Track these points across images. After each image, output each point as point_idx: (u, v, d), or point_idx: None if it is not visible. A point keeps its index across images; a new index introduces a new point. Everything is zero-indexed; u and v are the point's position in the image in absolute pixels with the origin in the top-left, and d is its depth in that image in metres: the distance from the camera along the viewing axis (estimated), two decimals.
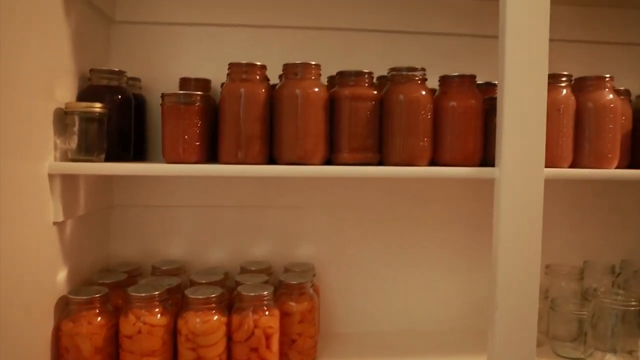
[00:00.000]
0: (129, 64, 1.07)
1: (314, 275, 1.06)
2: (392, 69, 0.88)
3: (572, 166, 0.93)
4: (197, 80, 1.02)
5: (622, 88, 1.11)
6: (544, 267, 1.08)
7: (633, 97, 1.16)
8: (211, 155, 0.89)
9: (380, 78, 0.97)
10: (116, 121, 0.91)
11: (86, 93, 0.92)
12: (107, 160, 0.88)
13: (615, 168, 0.97)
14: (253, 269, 1.05)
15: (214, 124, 0.87)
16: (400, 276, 1.16)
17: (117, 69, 0.93)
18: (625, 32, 1.20)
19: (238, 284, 0.95)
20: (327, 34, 1.12)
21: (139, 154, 1.01)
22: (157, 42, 1.09)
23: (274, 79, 1.03)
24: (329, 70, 1.04)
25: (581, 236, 1.21)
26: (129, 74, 0.98)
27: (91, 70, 0.92)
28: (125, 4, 1.07)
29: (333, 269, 1.14)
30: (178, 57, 1.09)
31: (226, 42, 1.10)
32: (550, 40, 1.12)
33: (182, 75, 1.06)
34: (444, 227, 1.17)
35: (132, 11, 1.08)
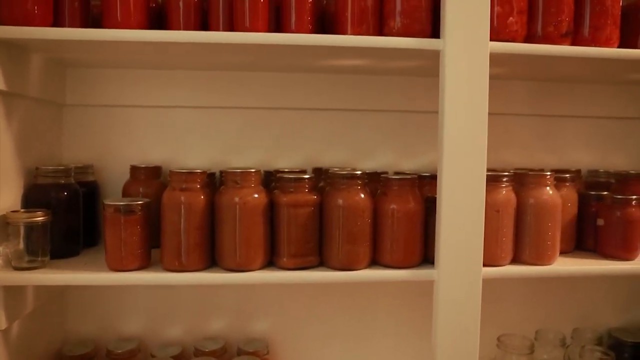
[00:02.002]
0: (81, 147, 1.08)
1: (267, 352, 1.09)
2: (331, 173, 0.89)
3: (513, 261, 0.95)
4: (147, 168, 1.03)
5: (572, 170, 1.13)
6: (495, 340, 1.11)
7: (585, 172, 1.18)
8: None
9: (317, 171, 0.99)
10: (63, 218, 0.92)
11: (32, 192, 0.93)
12: (54, 257, 0.90)
13: (561, 252, 0.99)
14: (207, 350, 1.07)
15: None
16: (353, 351, 1.19)
17: (62, 167, 0.94)
18: (576, 106, 1.21)
19: None
20: (279, 113, 1.12)
21: (92, 241, 1.03)
22: (109, 124, 1.09)
23: (226, 157, 1.05)
24: (280, 146, 1.06)
25: (534, 306, 1.23)
26: (81, 156, 0.99)
27: (37, 169, 0.93)
28: (76, 88, 1.08)
29: (287, 344, 1.17)
30: (130, 139, 1.10)
31: (178, 123, 1.11)
32: (503, 114, 1.14)
33: (135, 156, 1.08)
34: (392, 307, 1.19)
35: (83, 94, 1.08)
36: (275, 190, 0.89)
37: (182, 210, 0.85)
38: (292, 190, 0.87)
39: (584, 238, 1.06)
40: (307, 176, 0.88)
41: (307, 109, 1.13)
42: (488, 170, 1.06)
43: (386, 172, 1.08)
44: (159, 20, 0.93)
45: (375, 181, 0.96)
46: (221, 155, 1.11)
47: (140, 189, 1.02)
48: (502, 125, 1.18)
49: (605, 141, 1.23)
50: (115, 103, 1.09)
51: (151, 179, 1.03)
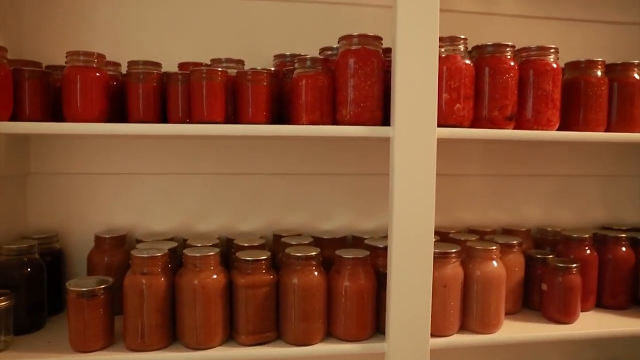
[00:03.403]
0: (46, 214, 1.11)
1: None
2: (287, 254, 0.94)
3: (461, 329, 1.00)
4: (111, 238, 1.05)
5: (522, 230, 1.19)
6: None
7: (534, 229, 1.25)
8: None
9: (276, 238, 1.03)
10: (28, 294, 0.95)
11: None
12: (18, 332, 0.93)
13: (509, 313, 1.06)
14: None
15: None
16: None
17: (25, 245, 0.96)
18: (526, 166, 1.27)
19: None
20: (240, 179, 1.16)
21: (58, 306, 1.05)
22: (73, 192, 1.11)
23: (190, 221, 1.09)
24: (241, 211, 1.15)
25: None
26: (46, 223, 1.01)
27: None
28: (40, 156, 1.10)
29: None
30: (95, 206, 1.12)
31: (142, 190, 1.13)
32: (458, 175, 1.20)
33: (101, 222, 1.11)
34: None
35: (48, 163, 1.10)
36: (234, 270, 0.93)
37: (144, 293, 0.88)
38: (249, 272, 0.92)
39: (531, 297, 1.12)
40: (264, 257, 0.92)
41: (267, 174, 1.16)
42: (442, 230, 1.13)
43: (344, 236, 1.13)
44: (119, 98, 0.96)
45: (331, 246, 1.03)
46: (185, 219, 1.14)
47: (105, 258, 1.04)
48: (456, 185, 1.24)
49: (554, 198, 1.30)
50: (80, 171, 1.11)
51: (116, 248, 1.06)
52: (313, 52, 1.10)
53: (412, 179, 0.89)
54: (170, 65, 1.05)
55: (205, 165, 1.14)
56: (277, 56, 1.10)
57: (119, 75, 1.01)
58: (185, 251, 0.92)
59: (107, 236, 1.05)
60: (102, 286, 0.89)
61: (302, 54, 1.10)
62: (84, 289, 0.88)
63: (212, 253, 0.91)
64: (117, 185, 1.12)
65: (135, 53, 1.09)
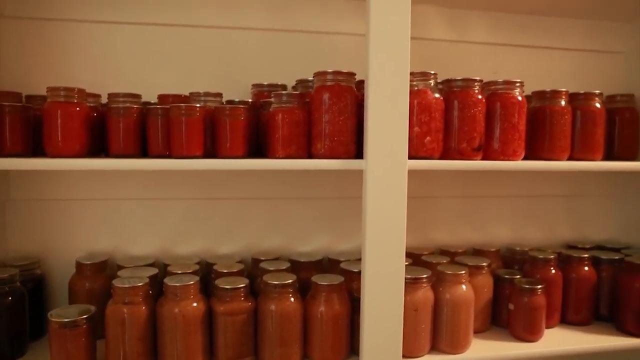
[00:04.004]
0: (26, 240, 1.12)
1: None
2: (264, 281, 0.97)
3: (432, 349, 1.05)
4: (92, 264, 1.07)
5: (492, 250, 1.24)
6: None
7: (503, 247, 1.30)
8: None
9: (255, 261, 1.06)
10: (9, 322, 0.97)
11: None
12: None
13: (478, 331, 1.12)
14: None
15: None
16: None
17: (7, 275, 0.98)
18: (495, 187, 1.33)
19: None
20: (219, 203, 1.19)
21: (39, 331, 1.07)
22: (54, 217, 1.13)
23: (171, 245, 1.12)
24: (221, 234, 1.18)
25: None
26: (28, 249, 1.03)
27: None
28: (19, 182, 1.11)
29: None
30: (76, 231, 1.14)
31: (123, 215, 1.15)
32: (430, 197, 1.24)
33: (82, 247, 1.13)
34: None
35: (27, 189, 1.11)
36: (213, 298, 0.97)
37: (126, 322, 0.91)
38: (228, 299, 0.95)
39: (500, 315, 1.17)
40: (242, 285, 0.96)
41: (245, 198, 1.19)
42: (415, 252, 1.17)
43: (321, 259, 1.17)
44: (100, 128, 0.98)
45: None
46: (166, 243, 1.17)
47: (87, 284, 1.06)
48: (428, 207, 1.29)
49: (522, 217, 1.36)
50: (60, 197, 1.12)
51: (97, 273, 1.08)
52: (291, 79, 1.14)
53: (383, 210, 0.93)
54: (150, 93, 1.08)
55: (185, 191, 1.16)
56: (254, 85, 1.13)
57: (98, 105, 1.03)
58: (166, 280, 0.95)
59: (88, 262, 1.07)
60: (84, 316, 0.91)
61: (280, 83, 1.14)
62: (67, 320, 0.90)
63: (192, 282, 0.94)
64: (97, 210, 1.14)
65: (115, 81, 1.12)
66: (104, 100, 1.04)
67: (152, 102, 1.06)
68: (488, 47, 1.29)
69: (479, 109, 1.00)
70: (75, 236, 1.14)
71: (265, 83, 1.12)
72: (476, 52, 1.29)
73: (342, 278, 1.01)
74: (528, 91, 1.14)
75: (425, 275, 1.02)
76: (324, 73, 0.94)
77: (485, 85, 1.05)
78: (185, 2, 1.14)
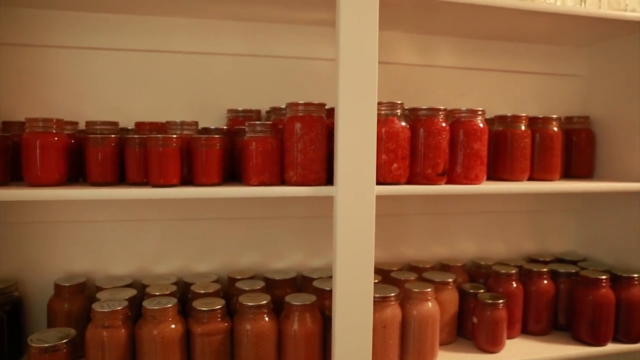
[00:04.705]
0: (5, 262, 1.14)
1: None
2: (240, 302, 1.01)
3: None
4: (71, 286, 1.10)
5: (458, 265, 1.31)
6: None
7: (469, 261, 1.37)
8: None
9: (231, 280, 1.10)
10: None
11: None
12: None
13: (444, 343, 1.18)
14: None
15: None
16: None
17: None
18: (462, 204, 1.39)
19: None
20: (196, 224, 1.22)
21: (17, 353, 1.09)
22: (32, 239, 1.15)
23: (149, 265, 1.16)
24: (198, 253, 1.22)
25: None
26: (6, 271, 1.05)
27: None
28: None
29: None
30: (54, 253, 1.16)
31: (101, 236, 1.18)
32: (401, 214, 1.30)
33: (60, 268, 1.15)
34: None
35: (5, 211, 1.13)
36: (191, 319, 1.00)
37: (105, 346, 0.94)
38: (205, 321, 0.99)
39: (465, 327, 1.24)
40: (218, 307, 1.00)
41: (221, 218, 1.23)
42: (385, 268, 1.23)
43: (295, 277, 1.21)
44: (78, 155, 1.01)
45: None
46: (144, 263, 1.20)
47: (65, 306, 1.09)
48: (398, 224, 1.34)
49: (488, 232, 1.43)
50: (37, 219, 1.14)
51: (76, 295, 1.10)
52: (265, 103, 1.19)
53: (353, 234, 0.98)
54: (127, 117, 1.11)
55: (162, 213, 1.20)
56: (229, 111, 1.17)
57: (76, 132, 1.06)
58: (144, 303, 0.99)
59: (67, 284, 1.10)
60: (64, 340, 0.94)
61: (254, 108, 1.18)
62: (47, 345, 0.93)
63: (169, 305, 0.98)
64: (75, 232, 1.17)
65: (92, 106, 1.14)
66: (82, 125, 1.07)
67: (130, 128, 1.10)
68: (454, 71, 1.35)
69: (443, 136, 1.06)
70: (53, 258, 1.16)
71: (240, 109, 1.16)
72: (443, 76, 1.35)
73: (314, 297, 1.06)
74: (492, 112, 1.20)
75: (393, 294, 1.07)
76: (296, 104, 0.99)
77: (450, 113, 1.11)
78: (161, 28, 1.17)
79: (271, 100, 1.19)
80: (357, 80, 0.96)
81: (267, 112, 1.18)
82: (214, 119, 1.20)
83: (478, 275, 1.34)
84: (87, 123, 1.03)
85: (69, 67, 1.14)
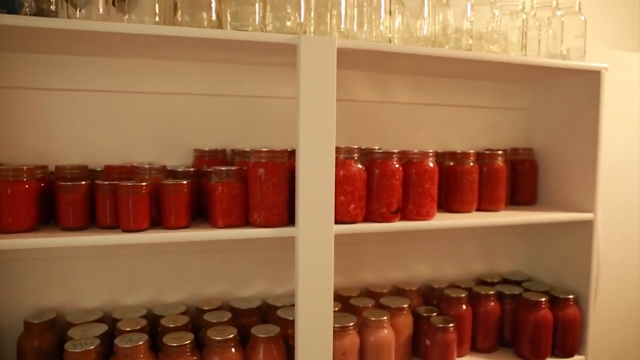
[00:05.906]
0: None
1: None
2: (208, 337, 1.08)
3: None
4: (40, 323, 1.13)
5: (413, 289, 1.40)
6: None
7: (423, 284, 1.46)
8: None
9: (199, 310, 1.16)
10: None
11: None
12: None
13: None
14: None
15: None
16: None
17: None
18: (415, 232, 1.49)
19: None
20: (164, 257, 1.27)
21: None
22: (2, 276, 1.18)
23: (119, 297, 1.23)
24: (167, 285, 1.26)
25: None
26: None
27: None
28: None
29: None
30: (23, 289, 1.19)
31: (71, 270, 1.21)
32: (361, 242, 1.37)
33: (29, 304, 1.18)
34: None
35: None
36: (161, 354, 1.06)
37: None
38: (175, 355, 1.05)
39: (419, 349, 1.33)
40: (187, 342, 1.06)
41: (189, 251, 1.29)
42: (344, 294, 1.31)
43: (260, 305, 1.28)
44: (49, 197, 1.04)
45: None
46: (114, 296, 1.24)
47: (35, 342, 1.12)
48: (357, 251, 1.43)
49: (440, 256, 1.53)
50: (7, 258, 1.17)
51: (46, 331, 1.13)
52: (230, 140, 1.24)
53: (314, 270, 1.06)
54: (96, 157, 1.16)
55: (130, 247, 1.24)
56: (196, 150, 1.22)
57: (46, 176, 1.09)
58: (116, 341, 1.03)
59: (36, 321, 1.12)
60: None
61: (219, 147, 1.24)
62: None
63: (141, 342, 1.03)
64: (45, 268, 1.20)
65: (61, 146, 1.18)
66: (52, 167, 1.10)
67: (99, 169, 1.14)
68: (409, 107, 1.44)
69: (397, 177, 1.15)
70: (22, 294, 1.19)
71: (206, 149, 1.22)
72: (399, 111, 1.44)
73: (279, 328, 1.13)
74: (445, 144, 1.30)
75: (351, 323, 1.16)
76: (259, 152, 1.05)
77: (403, 154, 1.19)
78: (126, 69, 1.21)
79: (236, 137, 1.25)
80: (317, 128, 1.03)
81: (232, 151, 1.24)
82: (180, 156, 1.25)
83: (431, 297, 1.43)
84: (57, 167, 1.06)
85: (35, 107, 1.16)
